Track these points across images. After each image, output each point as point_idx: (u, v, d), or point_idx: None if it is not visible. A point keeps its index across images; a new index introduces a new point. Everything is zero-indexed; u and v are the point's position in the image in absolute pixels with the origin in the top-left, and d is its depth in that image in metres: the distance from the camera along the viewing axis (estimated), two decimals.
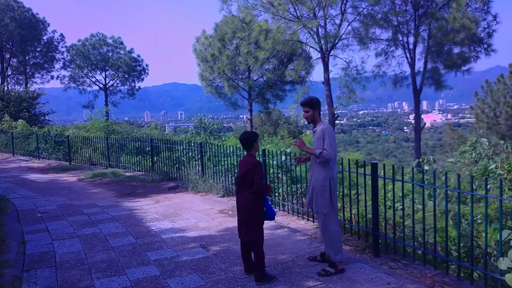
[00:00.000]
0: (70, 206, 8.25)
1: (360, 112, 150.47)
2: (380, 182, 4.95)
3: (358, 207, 5.34)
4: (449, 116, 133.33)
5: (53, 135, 17.94)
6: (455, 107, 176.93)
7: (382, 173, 5.14)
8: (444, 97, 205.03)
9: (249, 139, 4.39)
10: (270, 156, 7.40)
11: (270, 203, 4.54)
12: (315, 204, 4.54)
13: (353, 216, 5.90)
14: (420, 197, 6.71)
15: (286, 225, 6.35)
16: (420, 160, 7.16)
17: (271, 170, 7.72)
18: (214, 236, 5.89)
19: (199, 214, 7.29)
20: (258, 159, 4.44)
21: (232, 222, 6.66)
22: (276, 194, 7.51)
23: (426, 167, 6.93)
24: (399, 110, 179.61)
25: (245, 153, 4.49)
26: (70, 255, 5.27)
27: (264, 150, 7.33)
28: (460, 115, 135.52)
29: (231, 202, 8.11)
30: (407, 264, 4.70)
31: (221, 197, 8.62)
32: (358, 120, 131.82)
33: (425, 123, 24.77)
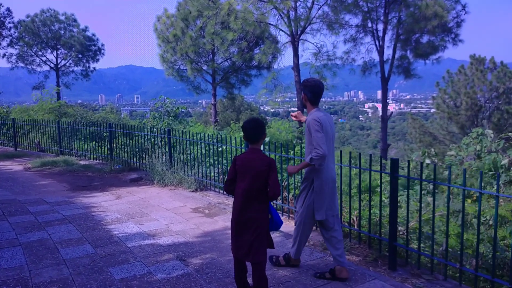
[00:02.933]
0: (13, 202, 6.93)
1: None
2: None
3: (370, 211, 4.49)
4: (402, 105, 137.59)
5: None
6: (408, 97, 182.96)
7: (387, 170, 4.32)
8: (397, 87, 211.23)
9: (260, 129, 3.33)
10: None
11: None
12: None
13: (354, 218, 5.08)
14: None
15: None
16: (421, 153, 6.46)
17: None
18: (193, 244, 4.87)
19: (170, 213, 6.23)
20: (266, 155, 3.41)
21: (211, 224, 5.67)
22: None
23: (427, 161, 6.22)
24: (355, 99, 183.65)
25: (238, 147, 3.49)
26: (10, 272, 4.09)
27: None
28: (412, 104, 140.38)
29: (206, 198, 7.10)
30: (432, 280, 3.92)
31: (193, 191, 7.58)
32: None
33: (392, 112, 24.63)
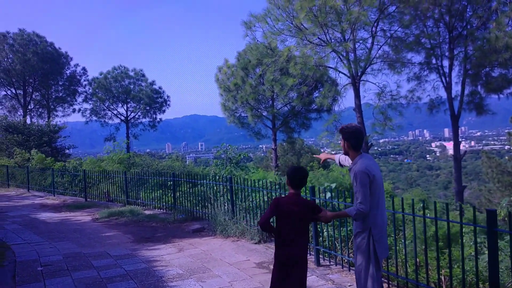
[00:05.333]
0: (78, 256, 6.94)
1: (381, 141, 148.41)
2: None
3: (464, 273, 3.84)
4: (473, 143, 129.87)
5: (69, 169, 16.96)
6: (478, 134, 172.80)
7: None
8: (466, 124, 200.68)
9: (306, 178, 3.71)
10: (317, 195, 6.02)
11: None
12: (355, 258, 3.86)
13: (442, 278, 4.40)
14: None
15: (327, 275, 4.87)
16: None
17: None
18: None
19: (233, 269, 5.86)
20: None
21: None
22: (320, 239, 6.10)
23: None
24: (420, 138, 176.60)
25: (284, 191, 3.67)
26: None
27: (312, 188, 5.94)
28: (483, 142, 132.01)
29: (270, 251, 6.67)
30: None
31: (256, 243, 7.20)
32: (379, 149, 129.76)
33: (465, 151, 22.97)
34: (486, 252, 4.74)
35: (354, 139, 3.75)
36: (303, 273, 3.60)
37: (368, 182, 3.56)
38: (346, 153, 3.91)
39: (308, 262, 5.95)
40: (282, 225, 3.59)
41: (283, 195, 7.22)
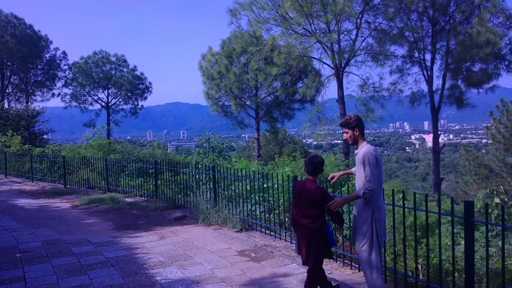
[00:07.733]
0: (57, 243, 6.86)
1: None
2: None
3: (440, 258, 3.94)
4: (451, 136, 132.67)
5: (48, 155, 16.64)
6: (457, 127, 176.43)
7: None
8: (445, 117, 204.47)
9: (322, 163, 4.07)
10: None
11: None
12: (356, 243, 4.02)
13: (420, 266, 4.52)
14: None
15: (329, 275, 4.95)
16: (489, 191, 5.81)
17: None
18: None
19: (215, 256, 5.89)
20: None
21: (258, 270, 5.26)
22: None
23: (496, 200, 5.56)
24: (400, 130, 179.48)
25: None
26: None
27: (295, 178, 5.99)
28: (462, 135, 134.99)
29: (251, 239, 6.71)
30: None
31: (238, 232, 7.23)
32: None
33: (444, 144, 23.41)
34: (463, 242, 4.87)
35: (362, 125, 4.06)
36: (311, 248, 3.90)
37: (376, 163, 3.82)
38: (354, 143, 4.10)
39: (289, 250, 6.05)
40: (293, 204, 4.10)
41: (265, 185, 7.28)
